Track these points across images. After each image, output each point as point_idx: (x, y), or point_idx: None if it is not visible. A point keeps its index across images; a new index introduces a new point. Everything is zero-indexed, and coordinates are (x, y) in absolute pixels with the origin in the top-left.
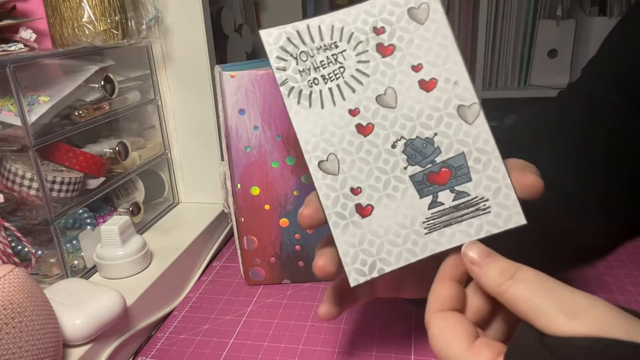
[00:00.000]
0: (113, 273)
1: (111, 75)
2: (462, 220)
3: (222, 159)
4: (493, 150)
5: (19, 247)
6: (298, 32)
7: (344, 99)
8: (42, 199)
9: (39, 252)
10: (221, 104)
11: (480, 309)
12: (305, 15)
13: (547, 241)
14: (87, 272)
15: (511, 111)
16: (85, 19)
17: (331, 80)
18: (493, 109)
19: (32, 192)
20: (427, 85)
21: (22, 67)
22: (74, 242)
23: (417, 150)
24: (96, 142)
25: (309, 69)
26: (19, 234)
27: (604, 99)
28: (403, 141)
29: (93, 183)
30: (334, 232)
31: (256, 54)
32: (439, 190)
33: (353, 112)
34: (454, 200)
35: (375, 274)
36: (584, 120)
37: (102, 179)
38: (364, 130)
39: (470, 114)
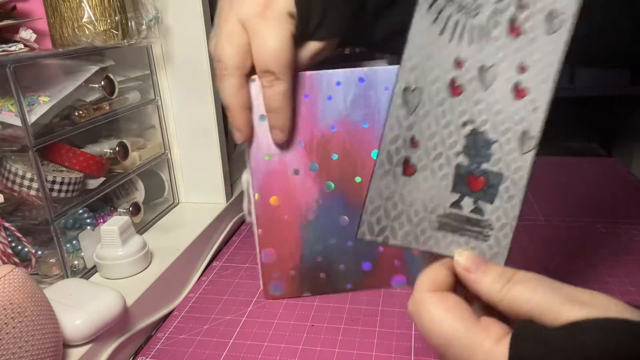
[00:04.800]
0: (113, 273)
1: (111, 76)
2: (464, 235)
3: (247, 166)
4: (521, 190)
5: (19, 247)
6: None
7: (460, 40)
8: (42, 199)
9: (39, 252)
10: None
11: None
12: None
13: None
14: (87, 272)
15: None
16: (85, 19)
17: (464, 14)
18: None
19: (32, 192)
20: (517, 93)
21: (22, 67)
22: (74, 242)
23: (476, 144)
24: (96, 142)
25: None
26: (19, 234)
27: None
28: (472, 127)
29: (93, 183)
30: (376, 171)
31: None
32: (467, 194)
33: (459, 63)
34: (470, 212)
35: (379, 240)
36: None
37: (102, 179)
38: (454, 89)
39: (527, 145)
